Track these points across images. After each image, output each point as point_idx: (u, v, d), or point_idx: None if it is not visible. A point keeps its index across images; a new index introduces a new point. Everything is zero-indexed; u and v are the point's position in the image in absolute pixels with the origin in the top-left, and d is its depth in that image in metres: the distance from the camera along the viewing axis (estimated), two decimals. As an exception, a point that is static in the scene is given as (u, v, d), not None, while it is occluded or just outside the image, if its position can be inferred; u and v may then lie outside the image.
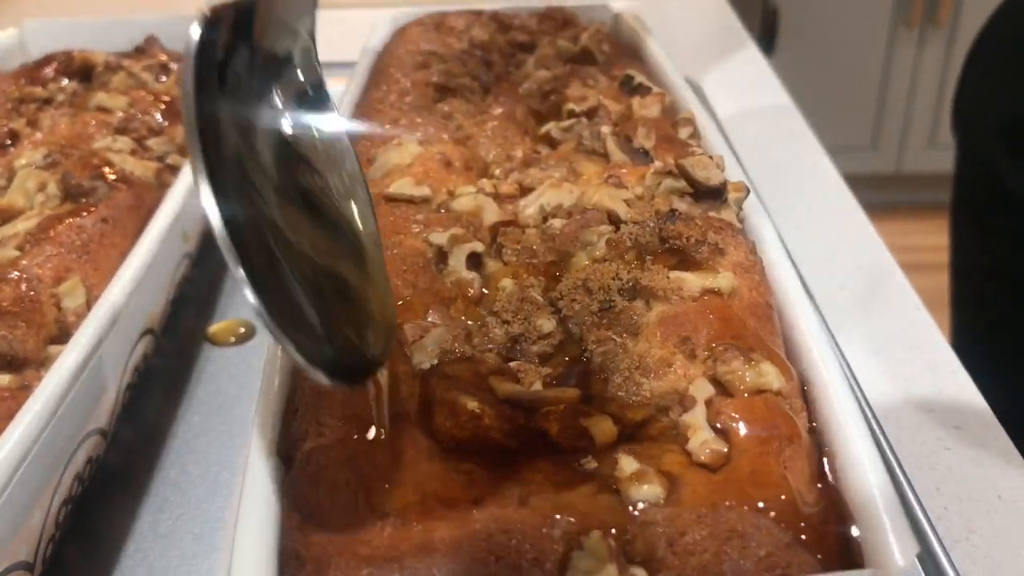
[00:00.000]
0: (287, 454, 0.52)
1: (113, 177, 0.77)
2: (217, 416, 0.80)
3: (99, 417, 0.68)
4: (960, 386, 0.80)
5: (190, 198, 0.81)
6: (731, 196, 0.68)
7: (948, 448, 0.74)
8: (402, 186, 0.69)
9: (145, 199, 0.78)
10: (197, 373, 0.84)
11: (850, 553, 0.48)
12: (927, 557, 0.65)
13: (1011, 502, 0.69)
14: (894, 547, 0.45)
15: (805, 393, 0.56)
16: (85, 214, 0.72)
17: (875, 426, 0.75)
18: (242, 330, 0.89)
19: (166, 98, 0.95)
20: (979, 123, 1.20)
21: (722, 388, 0.53)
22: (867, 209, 1.06)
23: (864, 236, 1.01)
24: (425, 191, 0.69)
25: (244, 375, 0.84)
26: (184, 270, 0.87)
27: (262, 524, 0.48)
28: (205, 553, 0.68)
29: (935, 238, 1.61)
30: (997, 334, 1.20)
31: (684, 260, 0.61)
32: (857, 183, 1.11)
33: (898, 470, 0.70)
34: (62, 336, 0.66)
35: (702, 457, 0.49)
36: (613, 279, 0.59)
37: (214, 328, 0.89)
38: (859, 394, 0.78)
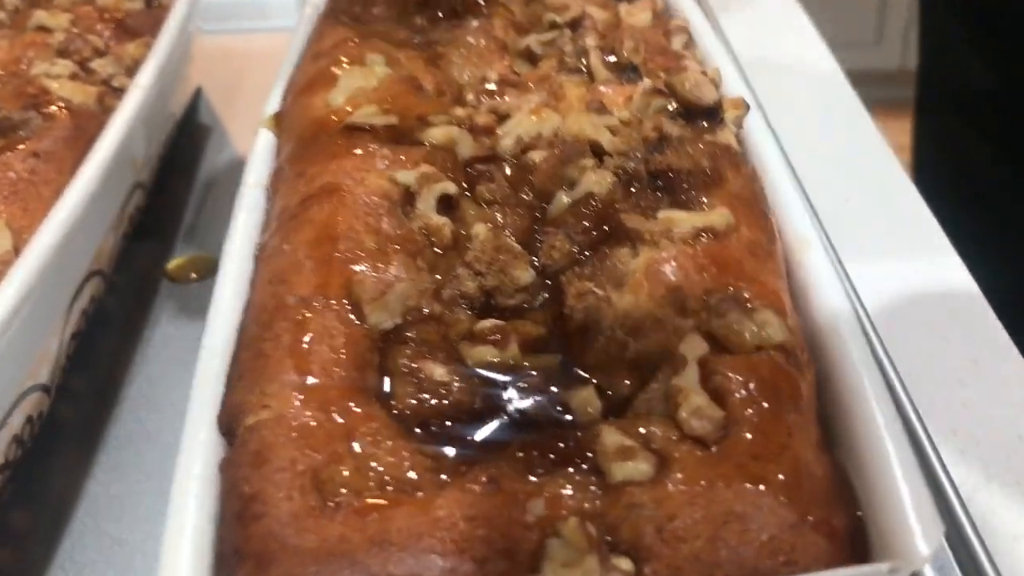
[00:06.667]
0: (228, 428, 0.47)
1: (50, 106, 0.70)
2: (177, 362, 0.74)
3: (39, 372, 0.62)
4: (978, 312, 0.74)
5: (138, 123, 0.74)
6: (728, 115, 0.61)
7: (965, 384, 0.68)
8: (366, 114, 0.62)
9: (86, 129, 0.71)
10: (155, 315, 0.78)
11: (864, 534, 0.42)
12: (943, 509, 0.60)
13: (1034, 444, 0.64)
14: (916, 532, 0.39)
15: (812, 341, 0.50)
16: (11, 151, 0.65)
17: (885, 361, 0.69)
18: (205, 265, 0.83)
19: (115, 14, 0.87)
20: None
21: (718, 344, 0.47)
22: (871, 107, 0.99)
23: (871, 144, 0.94)
24: (392, 120, 0.62)
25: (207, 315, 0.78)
26: (137, 201, 0.80)
27: (197, 513, 0.43)
28: (163, 516, 0.63)
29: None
30: (960, 167, 1.15)
31: (675, 194, 0.54)
32: (860, 80, 1.04)
33: (911, 411, 0.65)
34: (-12, 287, 0.59)
35: (695, 427, 0.44)
36: (596, 221, 0.52)
37: (173, 264, 0.83)
38: (867, 324, 0.72)
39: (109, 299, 0.76)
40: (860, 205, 0.85)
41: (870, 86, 1.16)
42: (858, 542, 0.42)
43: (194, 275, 0.81)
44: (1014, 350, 0.70)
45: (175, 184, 0.92)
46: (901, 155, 0.95)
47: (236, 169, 0.96)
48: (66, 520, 0.62)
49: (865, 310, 0.73)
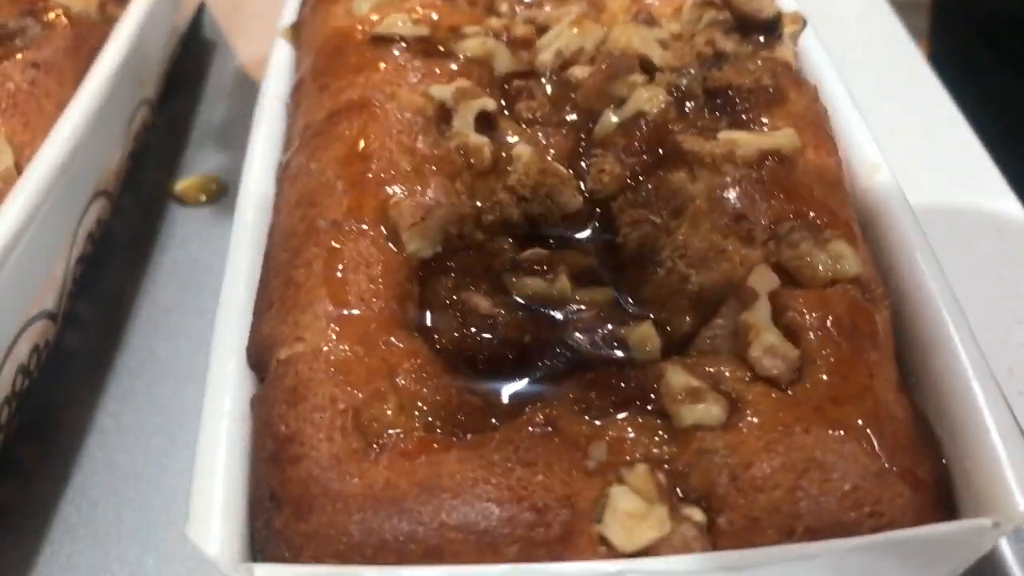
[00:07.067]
0: (259, 360, 0.43)
1: (48, 14, 0.65)
2: (188, 288, 0.70)
3: (44, 299, 0.58)
4: (1033, 247, 0.70)
5: (144, 34, 0.69)
6: (786, 30, 0.57)
7: (1021, 322, 0.65)
8: (394, 24, 0.57)
9: (87, 38, 0.66)
10: (163, 238, 0.74)
11: (950, 484, 0.39)
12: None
13: (1094, 385, 0.61)
14: (1014, 485, 0.36)
15: (883, 274, 0.47)
16: (8, 61, 0.60)
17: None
18: (214, 186, 0.78)
19: (115, -85, 0.81)
20: None
21: (788, 277, 0.44)
22: (918, 38, 0.94)
23: (916, 71, 0.89)
24: (423, 30, 0.57)
25: (217, 239, 0.74)
26: (143, 118, 0.76)
27: (228, 454, 0.39)
28: (178, 449, 0.60)
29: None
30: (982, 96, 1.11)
31: (734, 114, 0.50)
32: (898, 8, 0.99)
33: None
34: (-11, 206, 0.55)
35: (768, 366, 0.40)
36: (648, 142, 0.48)
37: (182, 185, 0.78)
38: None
39: (116, 221, 0.72)
40: (908, 137, 0.80)
41: (907, 15, 1.12)
42: (943, 493, 0.39)
43: (203, 197, 0.77)
44: (1070, 287, 0.67)
45: (179, 102, 0.87)
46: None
47: (243, 86, 0.91)
48: (76, 453, 0.59)
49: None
